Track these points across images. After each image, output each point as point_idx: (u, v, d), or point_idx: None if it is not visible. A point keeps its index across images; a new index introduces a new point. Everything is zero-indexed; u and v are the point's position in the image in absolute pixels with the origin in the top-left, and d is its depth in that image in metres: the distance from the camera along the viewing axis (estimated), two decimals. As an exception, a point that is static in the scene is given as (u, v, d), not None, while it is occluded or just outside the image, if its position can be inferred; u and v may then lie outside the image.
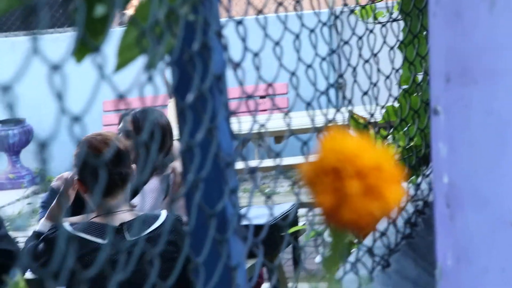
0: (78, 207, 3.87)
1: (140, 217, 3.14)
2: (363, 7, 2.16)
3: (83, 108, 0.95)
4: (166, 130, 3.98)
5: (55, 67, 0.89)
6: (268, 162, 5.35)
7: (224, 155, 1.39)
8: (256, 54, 1.52)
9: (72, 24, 1.03)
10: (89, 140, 3.21)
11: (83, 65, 1.11)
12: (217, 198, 1.39)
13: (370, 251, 1.90)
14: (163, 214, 3.23)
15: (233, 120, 1.44)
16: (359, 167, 0.70)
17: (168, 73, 1.31)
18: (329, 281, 0.71)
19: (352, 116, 2.27)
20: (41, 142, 0.84)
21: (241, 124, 1.44)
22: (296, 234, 3.92)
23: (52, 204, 3.64)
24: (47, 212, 3.58)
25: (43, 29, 0.89)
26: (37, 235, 3.35)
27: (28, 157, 9.80)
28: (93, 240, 3.02)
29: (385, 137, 2.41)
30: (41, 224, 3.45)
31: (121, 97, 1.03)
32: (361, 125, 2.32)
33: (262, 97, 8.30)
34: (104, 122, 9.56)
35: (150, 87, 1.14)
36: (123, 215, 3.17)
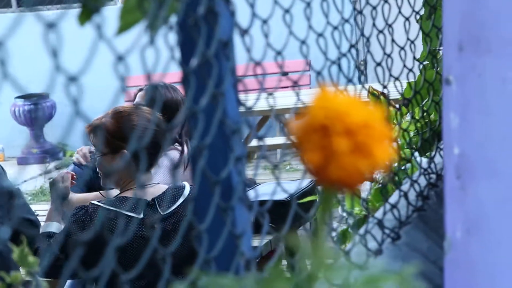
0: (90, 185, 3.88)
1: (169, 191, 3.14)
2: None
3: (80, 68, 0.94)
4: (182, 104, 3.96)
5: (50, 25, 0.88)
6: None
7: (230, 122, 1.38)
8: (265, 21, 1.51)
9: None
10: (122, 110, 3.18)
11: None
12: (222, 165, 1.38)
13: (380, 223, 1.89)
14: (187, 186, 3.23)
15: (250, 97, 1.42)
16: (348, 124, 0.69)
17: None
18: (318, 239, 0.70)
19: (370, 91, 2.25)
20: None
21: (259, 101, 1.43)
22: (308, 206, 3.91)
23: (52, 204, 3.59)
24: (47, 213, 3.46)
25: None
26: (48, 235, 3.28)
27: (51, 131, 9.85)
28: (129, 214, 2.97)
29: (404, 113, 2.39)
30: (45, 226, 3.34)
31: (120, 58, 1.02)
32: (380, 100, 2.30)
33: (284, 74, 8.26)
34: (125, 98, 9.57)
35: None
36: (153, 189, 3.16)
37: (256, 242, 1.56)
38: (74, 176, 3.59)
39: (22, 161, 9.57)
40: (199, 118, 1.29)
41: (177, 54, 1.28)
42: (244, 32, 1.43)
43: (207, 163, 1.34)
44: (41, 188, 8.54)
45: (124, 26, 1.17)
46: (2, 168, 3.54)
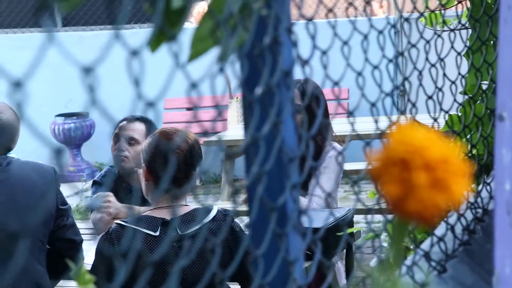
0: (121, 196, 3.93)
1: (193, 212, 3.18)
2: (432, 11, 2.16)
3: (158, 94, 0.97)
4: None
5: (134, 53, 0.91)
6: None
7: (287, 150, 1.41)
8: (324, 52, 1.54)
9: (149, 16, 1.06)
10: (165, 131, 3.25)
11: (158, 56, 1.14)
12: (279, 192, 1.41)
13: (427, 255, 1.90)
14: (214, 209, 3.26)
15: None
16: (427, 159, 0.71)
17: (230, 72, 1.33)
18: (391, 275, 0.73)
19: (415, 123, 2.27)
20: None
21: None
22: (351, 237, 3.92)
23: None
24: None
25: (122, 23, 0.91)
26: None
27: (88, 151, 9.94)
28: (146, 232, 3.07)
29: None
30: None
31: (193, 86, 1.05)
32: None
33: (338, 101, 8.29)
34: (164, 120, 9.65)
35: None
36: (178, 210, 3.21)
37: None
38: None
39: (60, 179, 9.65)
40: (260, 145, 1.32)
41: (242, 82, 1.31)
42: (304, 63, 1.46)
43: (264, 189, 1.37)
44: (76, 206, 8.61)
45: (195, 53, 1.20)
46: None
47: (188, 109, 9.62)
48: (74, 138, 9.81)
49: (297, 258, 1.45)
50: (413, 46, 1.94)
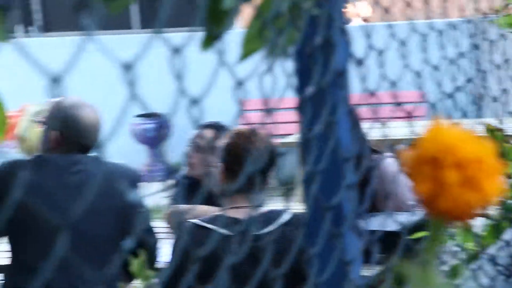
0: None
1: (267, 214, 3.20)
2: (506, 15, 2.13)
3: (202, 91, 0.98)
4: None
5: (176, 50, 0.93)
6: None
7: (342, 150, 1.41)
8: (380, 52, 1.53)
9: (190, 18, 1.07)
10: (241, 132, 3.28)
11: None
12: (334, 192, 1.41)
13: (493, 260, 1.87)
14: (288, 212, 3.27)
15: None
16: (459, 158, 0.71)
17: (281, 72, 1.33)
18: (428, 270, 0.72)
19: (489, 128, 2.23)
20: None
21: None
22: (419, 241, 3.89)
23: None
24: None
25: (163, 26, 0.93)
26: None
27: (165, 151, 10.07)
28: (219, 231, 3.10)
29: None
30: None
31: (239, 84, 1.06)
32: (498, 136, 2.28)
33: (398, 104, 8.22)
34: (242, 121, 9.71)
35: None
36: (251, 210, 3.23)
37: (365, 271, 1.58)
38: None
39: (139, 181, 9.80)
40: (312, 144, 1.32)
41: (294, 81, 1.31)
42: (359, 63, 1.45)
43: (319, 189, 1.37)
44: (154, 205, 8.72)
45: (246, 53, 1.21)
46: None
47: (265, 110, 9.64)
48: (150, 139, 9.94)
49: (353, 259, 1.44)
50: (476, 47, 1.91)
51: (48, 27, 11.00)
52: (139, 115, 9.95)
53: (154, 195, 9.29)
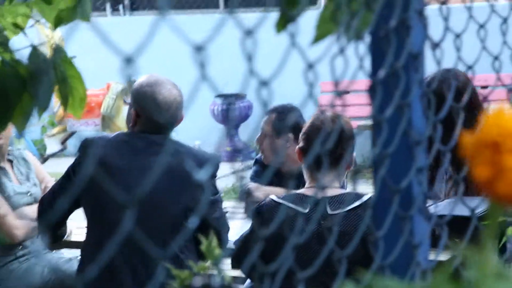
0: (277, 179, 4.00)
1: (345, 195, 3.21)
2: None
3: (272, 73, 1.01)
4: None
5: (248, 32, 0.95)
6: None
7: (414, 133, 1.41)
8: (458, 36, 1.53)
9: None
10: (320, 115, 3.32)
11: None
12: (403, 175, 1.41)
13: None
14: (368, 195, 3.28)
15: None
16: (520, 143, 0.71)
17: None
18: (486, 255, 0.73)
19: None
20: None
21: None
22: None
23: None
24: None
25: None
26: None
27: (246, 131, 10.13)
28: (296, 208, 3.14)
29: None
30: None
31: (310, 66, 1.08)
32: None
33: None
34: (320, 103, 9.70)
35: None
36: (331, 191, 3.25)
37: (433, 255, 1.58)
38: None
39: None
40: (383, 127, 1.33)
41: (367, 63, 1.32)
42: (435, 46, 1.45)
43: (389, 171, 1.38)
44: (232, 186, 8.80)
45: (320, 35, 1.23)
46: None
47: (343, 92, 9.61)
48: (231, 118, 10.01)
49: (421, 242, 1.45)
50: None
51: (134, 6, 11.14)
52: (219, 95, 10.04)
53: (233, 174, 9.35)
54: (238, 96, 9.97)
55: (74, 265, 4.36)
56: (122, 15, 11.10)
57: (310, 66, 1.08)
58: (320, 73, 1.12)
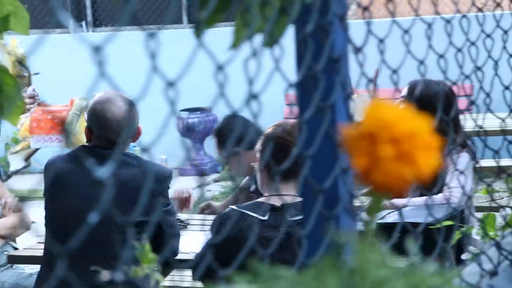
0: None
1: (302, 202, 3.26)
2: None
3: (178, 74, 1.03)
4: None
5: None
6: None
7: (338, 134, 1.44)
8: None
9: None
10: (283, 125, 3.37)
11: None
12: (328, 175, 1.44)
13: (498, 245, 1.89)
14: None
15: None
16: (395, 133, 0.74)
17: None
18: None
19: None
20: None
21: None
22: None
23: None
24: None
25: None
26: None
27: (211, 145, 10.14)
28: (254, 215, 3.21)
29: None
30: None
31: (220, 68, 1.11)
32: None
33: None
34: (285, 115, 9.74)
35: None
36: (288, 198, 3.30)
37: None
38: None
39: (183, 172, 9.90)
40: (303, 128, 1.36)
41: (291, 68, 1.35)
42: (358, 50, 1.48)
43: (313, 172, 1.40)
44: (198, 199, 8.80)
45: (237, 41, 1.26)
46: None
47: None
48: (198, 132, 10.03)
49: (347, 241, 1.47)
50: (488, 36, 1.93)
51: (97, 23, 11.15)
52: (184, 109, 10.05)
53: (198, 188, 9.35)
54: (204, 110, 9.99)
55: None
56: (85, 31, 11.10)
57: (220, 68, 1.10)
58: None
